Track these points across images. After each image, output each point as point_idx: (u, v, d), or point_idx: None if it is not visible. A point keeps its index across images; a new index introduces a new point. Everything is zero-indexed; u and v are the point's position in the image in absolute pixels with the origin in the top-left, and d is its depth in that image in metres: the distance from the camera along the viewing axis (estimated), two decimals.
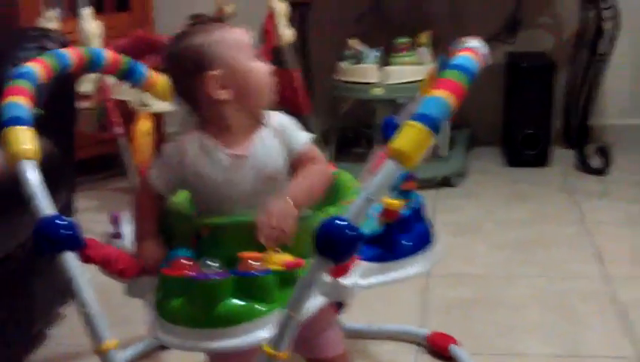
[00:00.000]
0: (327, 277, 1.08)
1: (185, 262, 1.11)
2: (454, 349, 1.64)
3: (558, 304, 1.91)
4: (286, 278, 1.06)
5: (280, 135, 1.22)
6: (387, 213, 1.18)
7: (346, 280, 1.10)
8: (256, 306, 1.05)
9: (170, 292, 1.09)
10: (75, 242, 1.04)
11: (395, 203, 1.17)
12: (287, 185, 1.18)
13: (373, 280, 1.17)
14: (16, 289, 1.65)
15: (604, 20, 2.90)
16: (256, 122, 1.22)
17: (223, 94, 1.16)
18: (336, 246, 0.93)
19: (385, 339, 1.75)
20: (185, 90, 1.20)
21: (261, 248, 1.10)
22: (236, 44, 1.18)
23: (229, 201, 1.19)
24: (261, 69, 1.20)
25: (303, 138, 1.24)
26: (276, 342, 0.98)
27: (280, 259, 1.10)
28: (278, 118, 1.24)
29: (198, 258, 1.13)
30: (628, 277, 2.03)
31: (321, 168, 1.23)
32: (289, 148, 1.22)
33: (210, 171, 1.18)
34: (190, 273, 1.08)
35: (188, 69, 1.17)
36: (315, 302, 1.09)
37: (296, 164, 1.22)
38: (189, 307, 1.06)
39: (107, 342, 1.01)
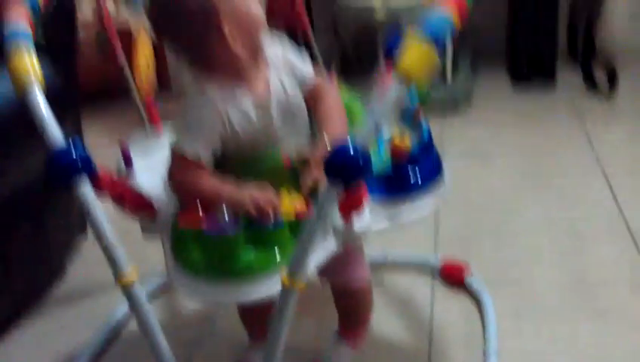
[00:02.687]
0: (338, 221, 1.07)
1: (198, 211, 1.09)
2: (470, 280, 1.65)
3: (567, 230, 1.90)
4: (298, 226, 1.03)
5: (289, 69, 1.21)
6: (396, 152, 1.15)
7: (357, 224, 1.08)
8: (271, 257, 1.05)
9: (186, 241, 1.08)
10: (88, 170, 1.01)
11: (403, 142, 1.14)
12: (321, 128, 1.19)
13: (383, 224, 1.15)
14: (33, 222, 1.64)
15: None
16: (263, 62, 1.20)
17: (237, 45, 1.13)
18: (345, 168, 0.91)
19: (400, 270, 1.75)
20: (193, 45, 1.14)
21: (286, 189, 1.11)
22: None
23: (261, 145, 1.17)
24: (258, 10, 1.17)
25: (310, 69, 1.24)
26: (292, 272, 0.96)
27: (292, 204, 1.09)
28: (282, 52, 1.22)
29: None
30: (637, 201, 2.02)
31: (337, 99, 1.24)
32: (300, 81, 1.22)
33: (240, 121, 1.15)
34: (203, 224, 1.06)
35: (197, 21, 1.11)
36: (329, 246, 1.09)
37: (310, 96, 1.22)
38: (205, 257, 1.06)
39: (128, 273, 0.99)
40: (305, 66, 1.23)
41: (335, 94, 1.25)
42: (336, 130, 1.18)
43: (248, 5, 1.15)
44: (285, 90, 1.19)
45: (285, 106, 1.18)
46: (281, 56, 1.22)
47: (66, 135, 1.03)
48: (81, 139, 1.79)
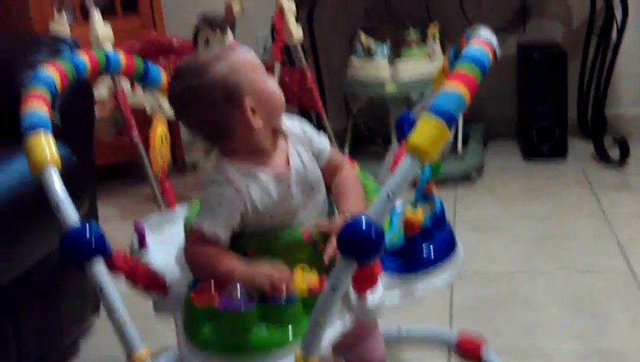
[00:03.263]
0: (352, 297, 1.07)
1: (211, 286, 1.09)
2: (486, 354, 1.61)
3: (581, 300, 1.89)
4: (311, 303, 1.02)
5: (307, 143, 1.23)
6: (409, 225, 1.16)
7: (371, 300, 1.07)
8: (283, 333, 1.04)
9: (198, 317, 1.08)
10: (102, 250, 1.03)
11: (416, 215, 1.15)
12: (338, 201, 1.22)
13: (397, 301, 1.14)
14: (46, 300, 1.63)
15: (613, 8, 2.87)
16: (281, 136, 1.22)
17: (257, 119, 1.15)
18: (359, 244, 0.91)
19: (415, 344, 1.73)
20: (214, 122, 1.16)
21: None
22: (253, 66, 1.18)
23: (279, 220, 1.18)
24: (276, 86, 1.20)
25: (326, 143, 1.26)
26: (306, 347, 0.96)
27: (305, 280, 1.09)
28: (299, 126, 1.25)
29: None
30: None
31: (353, 172, 1.27)
32: (317, 156, 1.24)
33: (260, 198, 1.16)
34: (216, 301, 1.07)
35: (218, 101, 1.14)
36: (343, 322, 1.08)
37: (326, 169, 1.24)
38: (217, 333, 1.05)
39: (140, 351, 0.99)
40: (321, 140, 1.25)
41: (351, 170, 1.27)
42: (352, 203, 1.19)
43: (268, 83, 1.18)
44: (304, 164, 1.20)
45: (304, 180, 1.20)
46: (298, 130, 1.24)
47: (81, 212, 1.05)
48: (96, 217, 1.81)
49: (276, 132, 1.21)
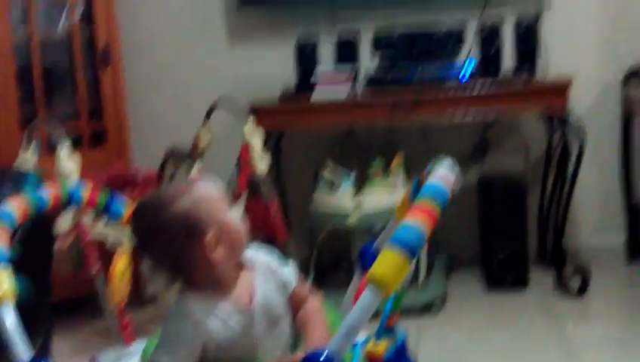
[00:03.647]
0: None
1: None
2: None
3: None
4: None
5: (273, 274, 1.23)
6: (371, 358, 1.15)
7: None
8: None
9: None
10: None
11: (377, 348, 1.15)
12: (302, 334, 1.21)
13: None
14: None
15: (569, 141, 2.97)
16: (244, 268, 1.22)
17: (219, 253, 1.16)
18: None
19: None
20: (176, 257, 1.17)
21: None
22: (215, 200, 1.19)
23: (242, 353, 1.17)
24: (238, 219, 1.21)
25: (292, 274, 1.26)
26: None
27: None
28: (264, 258, 1.25)
29: None
30: None
31: (318, 305, 1.26)
32: (283, 287, 1.24)
33: (222, 331, 1.15)
34: None
35: (180, 236, 1.15)
36: None
37: (291, 301, 1.24)
38: None
39: None
40: (287, 272, 1.26)
41: (317, 303, 1.27)
42: (316, 336, 1.19)
43: (230, 217, 1.20)
44: (268, 297, 1.20)
45: (268, 312, 1.19)
46: (264, 261, 1.24)
47: (35, 346, 1.03)
48: (50, 351, 1.77)
49: (240, 264, 1.22)
